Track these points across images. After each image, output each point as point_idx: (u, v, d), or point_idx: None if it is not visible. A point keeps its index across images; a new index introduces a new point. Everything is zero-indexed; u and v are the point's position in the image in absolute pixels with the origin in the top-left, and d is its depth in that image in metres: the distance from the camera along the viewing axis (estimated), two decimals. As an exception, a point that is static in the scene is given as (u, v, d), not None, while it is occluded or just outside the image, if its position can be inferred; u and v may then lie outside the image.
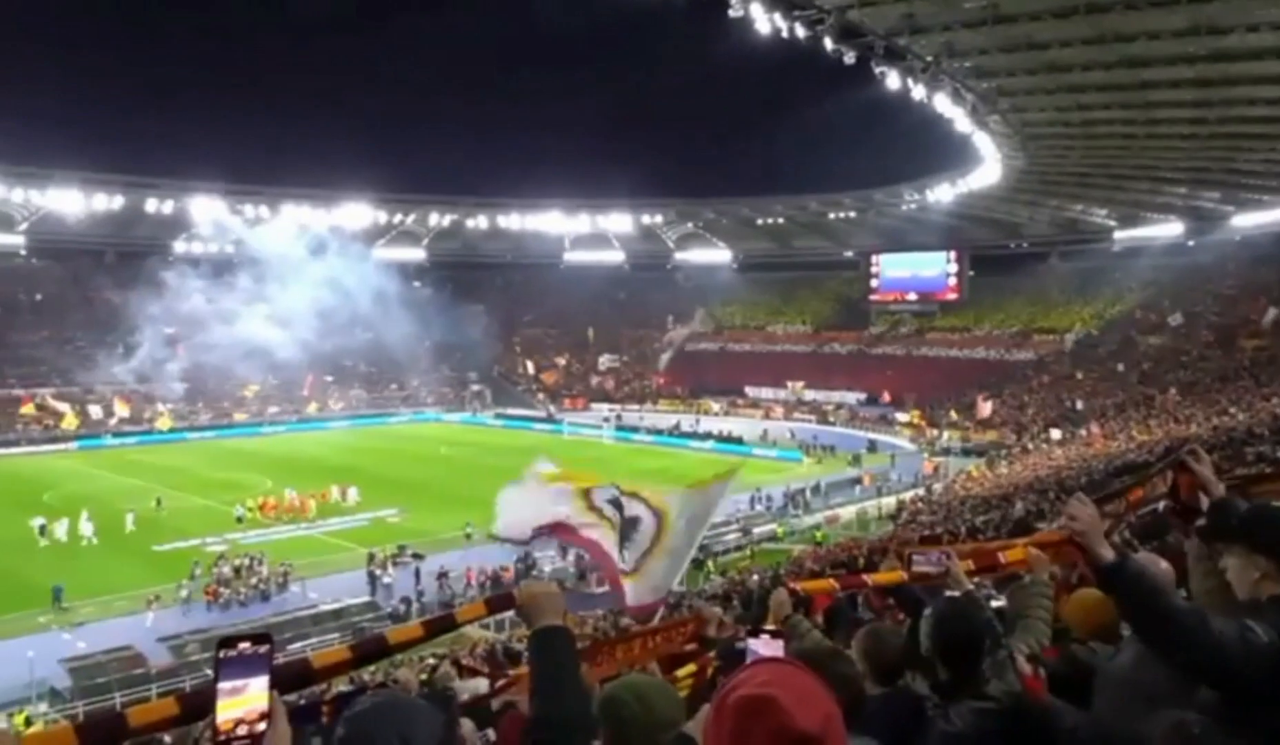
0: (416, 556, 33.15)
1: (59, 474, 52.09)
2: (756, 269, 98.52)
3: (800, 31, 33.51)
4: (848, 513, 43.11)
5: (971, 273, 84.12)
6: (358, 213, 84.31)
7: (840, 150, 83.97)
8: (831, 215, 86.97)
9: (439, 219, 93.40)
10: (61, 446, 61.74)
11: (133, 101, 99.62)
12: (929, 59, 35.99)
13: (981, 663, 2.96)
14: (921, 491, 44.63)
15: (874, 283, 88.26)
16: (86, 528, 36.72)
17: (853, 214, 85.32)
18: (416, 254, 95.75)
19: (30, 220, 78.79)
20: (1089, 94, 38.83)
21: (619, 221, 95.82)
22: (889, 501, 43.80)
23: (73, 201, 74.29)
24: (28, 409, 64.90)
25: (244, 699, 1.70)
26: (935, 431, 63.04)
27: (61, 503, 41.90)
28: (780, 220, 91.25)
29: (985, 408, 61.67)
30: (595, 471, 7.36)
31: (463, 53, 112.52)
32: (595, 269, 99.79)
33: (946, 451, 58.23)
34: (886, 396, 72.00)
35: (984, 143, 50.25)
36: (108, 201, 74.96)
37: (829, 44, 33.75)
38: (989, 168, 57.88)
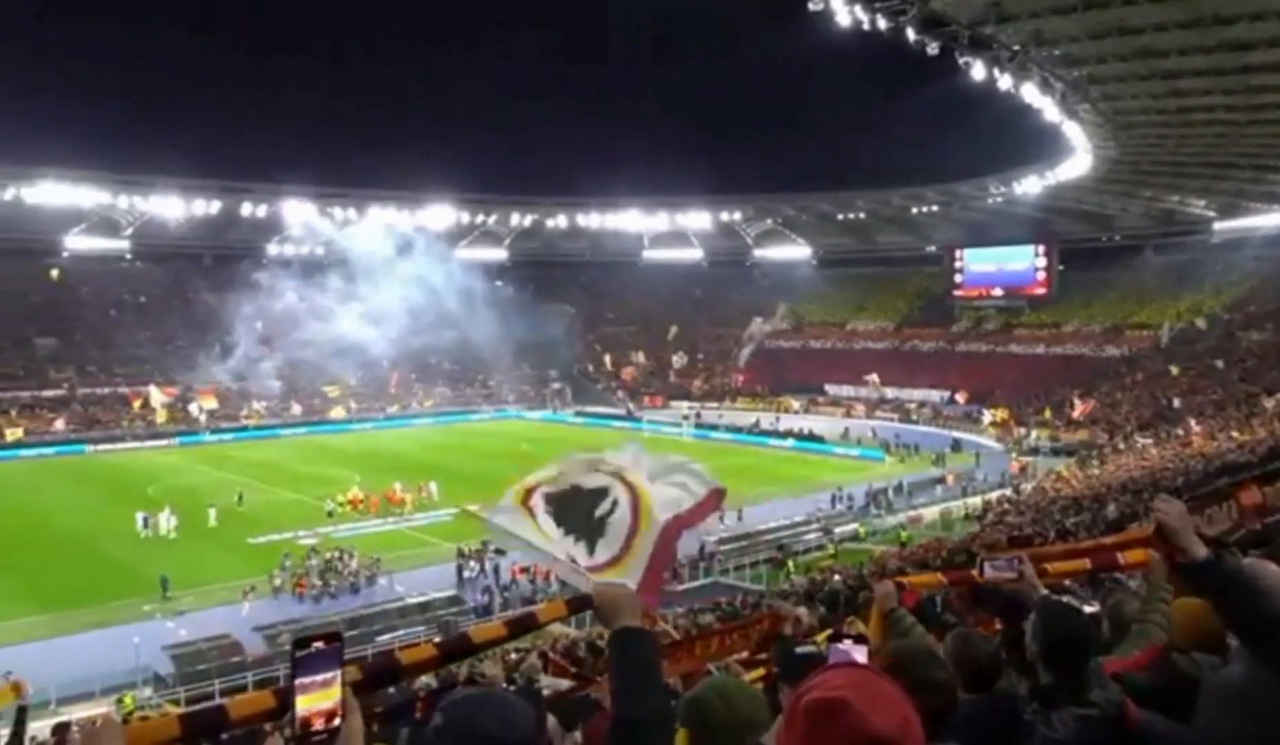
0: (499, 552, 33.71)
1: (161, 468, 54.43)
2: (837, 265, 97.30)
3: (882, 23, 33.00)
4: (931, 513, 42.30)
5: (1061, 267, 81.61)
6: (441, 214, 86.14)
7: (923, 143, 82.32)
8: (914, 209, 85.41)
9: (520, 219, 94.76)
10: (163, 442, 64.38)
11: (228, 110, 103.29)
12: (1016, 48, 35.09)
13: (1088, 667, 2.87)
14: (1008, 492, 43.54)
15: (958, 278, 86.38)
16: (170, 520, 38.23)
17: (936, 208, 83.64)
18: (498, 254, 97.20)
19: (135, 225, 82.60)
20: (1185, 80, 37.36)
21: (697, 219, 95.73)
22: (974, 501, 42.86)
23: (173, 207, 77.84)
24: (137, 404, 67.82)
25: (320, 695, 1.82)
26: (1023, 430, 61.41)
27: (164, 496, 43.73)
28: (861, 215, 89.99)
29: (1083, 406, 59.76)
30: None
31: (541, 53, 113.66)
32: (674, 266, 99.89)
33: (1035, 451, 56.67)
34: (970, 394, 70.36)
35: (1074, 132, 48.76)
36: (205, 206, 78.31)
37: (911, 35, 33.17)
38: (1079, 158, 56.16)
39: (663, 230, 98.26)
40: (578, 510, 5.18)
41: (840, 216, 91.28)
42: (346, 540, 35.82)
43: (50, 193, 72.02)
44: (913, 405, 73.04)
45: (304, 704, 1.81)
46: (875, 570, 25.68)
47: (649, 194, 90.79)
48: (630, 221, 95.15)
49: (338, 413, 74.09)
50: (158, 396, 67.83)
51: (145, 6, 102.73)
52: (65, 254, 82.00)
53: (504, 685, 7.93)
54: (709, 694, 2.32)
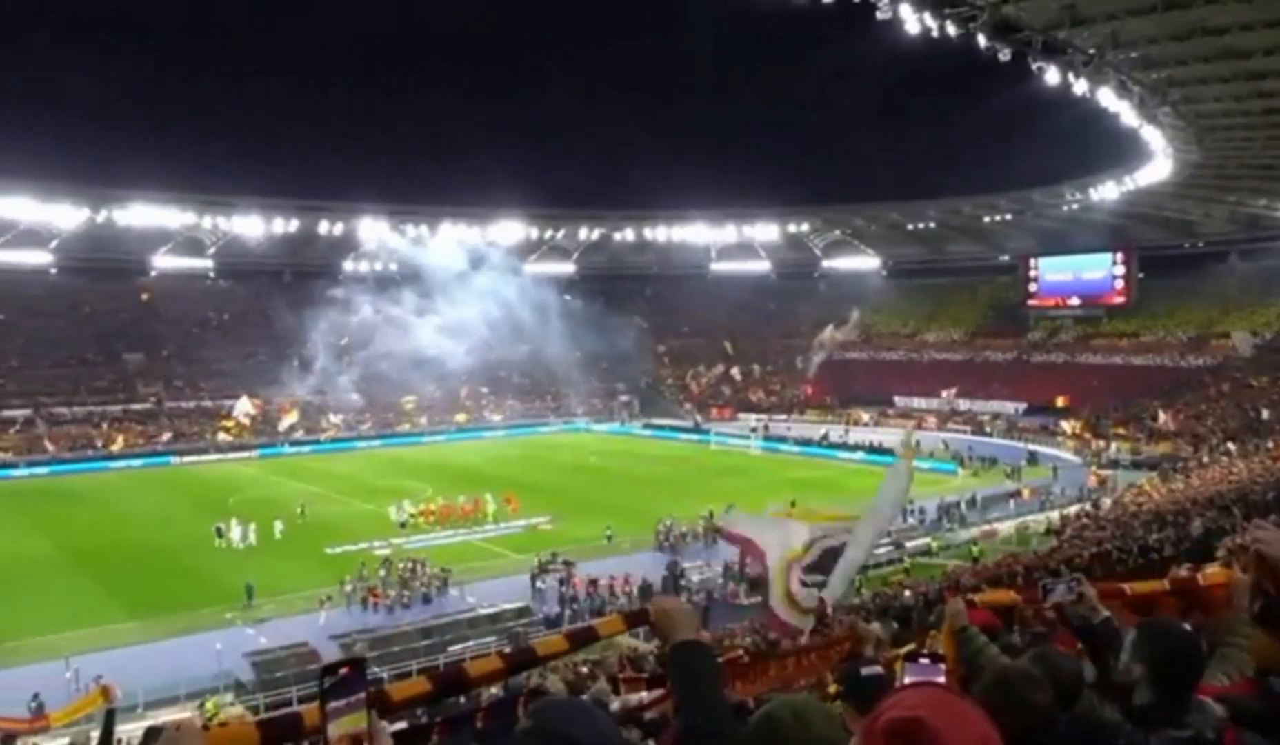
0: (567, 564, 33.94)
1: (242, 480, 56.11)
2: (907, 275, 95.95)
3: (951, 30, 32.53)
4: (1006, 527, 41.39)
5: (1140, 274, 79.29)
6: (510, 229, 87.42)
7: (995, 151, 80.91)
8: (986, 218, 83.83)
9: (587, 233, 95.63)
10: (245, 454, 66.35)
11: (305, 132, 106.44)
12: (1091, 51, 34.25)
13: (1195, 686, 2.79)
14: (1087, 506, 42.34)
15: (1032, 287, 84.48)
16: (239, 530, 39.19)
17: (1009, 216, 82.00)
18: (566, 268, 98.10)
19: (218, 244, 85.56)
20: (1271, 80, 36.04)
21: (765, 230, 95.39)
22: (1051, 516, 41.78)
23: (254, 226, 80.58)
24: (230, 424, 70.01)
25: (349, 719, 1.92)
26: (1102, 442, 59.68)
27: (244, 507, 45.03)
28: (932, 224, 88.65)
29: (1166, 419, 57.86)
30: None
31: (608, 68, 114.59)
32: (741, 278, 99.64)
33: (1115, 464, 55.02)
34: (1047, 405, 68.66)
35: (1153, 137, 47.36)
36: (284, 225, 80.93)
37: (982, 41, 32.64)
38: (1159, 163, 54.52)
39: (730, 242, 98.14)
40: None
41: (910, 226, 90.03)
42: (419, 551, 36.44)
43: (140, 214, 75.24)
44: (986, 417, 71.55)
45: (338, 728, 1.91)
46: (948, 586, 25.23)
47: (716, 206, 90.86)
48: (697, 234, 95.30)
49: (411, 425, 75.51)
50: (246, 406, 70.00)
51: (227, 39, 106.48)
52: (153, 273, 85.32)
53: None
54: (782, 712, 2.20)
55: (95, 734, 16.39)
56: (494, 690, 10.13)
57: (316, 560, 36.12)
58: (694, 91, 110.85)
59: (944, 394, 74.30)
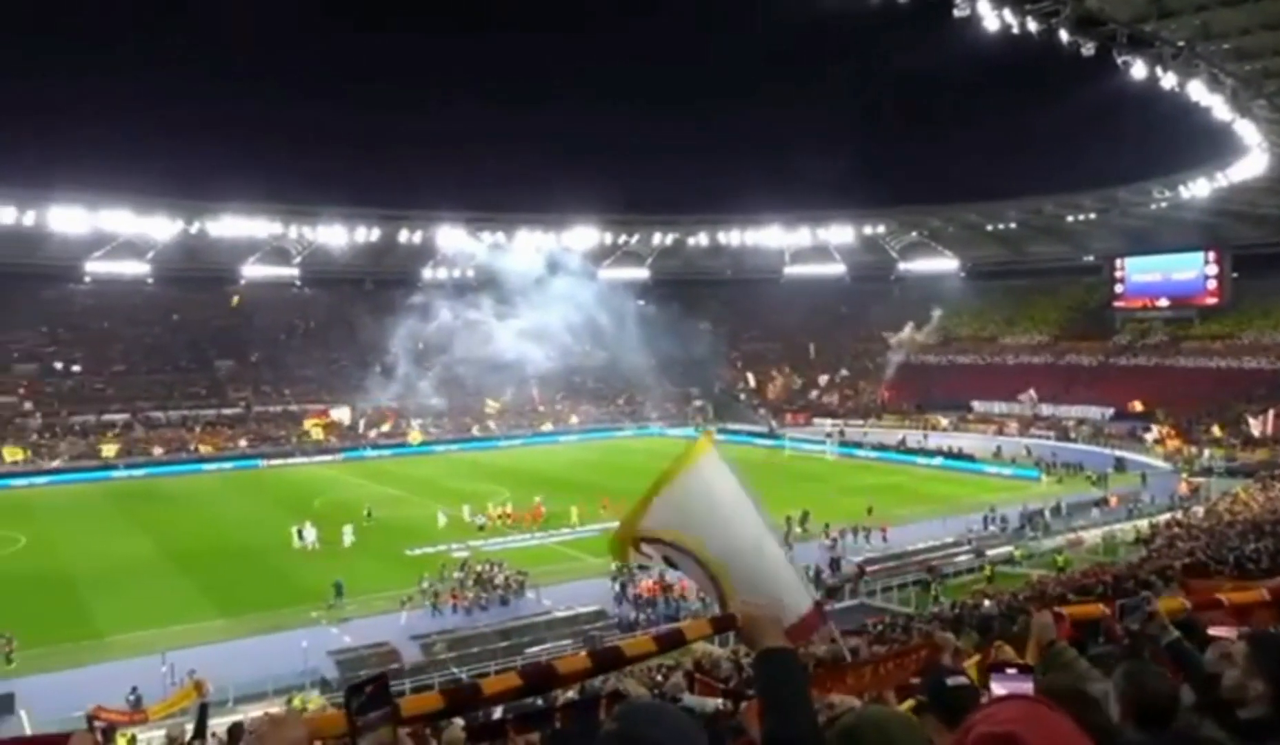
0: (642, 569, 34.02)
1: (326, 482, 57.68)
2: (986, 277, 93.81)
3: (1032, 26, 31.85)
4: (1093, 536, 40.15)
5: (1234, 274, 76.25)
6: (585, 235, 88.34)
7: (1078, 148, 78.81)
8: (1070, 217, 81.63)
9: (661, 238, 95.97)
10: (329, 458, 68.20)
11: (386, 143, 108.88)
12: (1180, 44, 33.21)
13: None
14: (1178, 515, 40.87)
15: (1118, 288, 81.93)
16: (311, 534, 40.14)
17: (1093, 215, 79.71)
18: (640, 273, 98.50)
19: (303, 254, 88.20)
20: (1374, 70, 34.49)
21: (839, 233, 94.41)
22: (1141, 524, 40.43)
23: (337, 235, 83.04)
24: (310, 424, 72.08)
25: (379, 732, 2.04)
26: (1194, 449, 57.54)
27: (330, 509, 46.31)
28: (1013, 225, 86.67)
29: (1262, 424, 55.53)
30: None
31: (679, 72, 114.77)
32: (816, 282, 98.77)
33: (1208, 471, 53.01)
34: (1136, 410, 66.43)
35: (1247, 131, 45.60)
36: (366, 234, 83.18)
37: (1065, 36, 31.88)
38: (1253, 158, 52.49)
39: (804, 246, 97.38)
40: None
41: (990, 227, 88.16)
42: (496, 553, 36.98)
43: (230, 225, 78.23)
44: (1070, 422, 69.58)
45: (367, 741, 2.04)
46: (1032, 595, 24.63)
47: (790, 209, 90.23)
48: (771, 237, 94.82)
49: (488, 430, 76.67)
50: (341, 413, 72.00)
51: (310, 56, 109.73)
52: (242, 282, 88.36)
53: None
54: (864, 725, 2.15)
55: (190, 727, 17.10)
56: (569, 693, 10.29)
57: (397, 562, 36.92)
58: (767, 93, 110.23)
59: (1023, 397, 72.35)
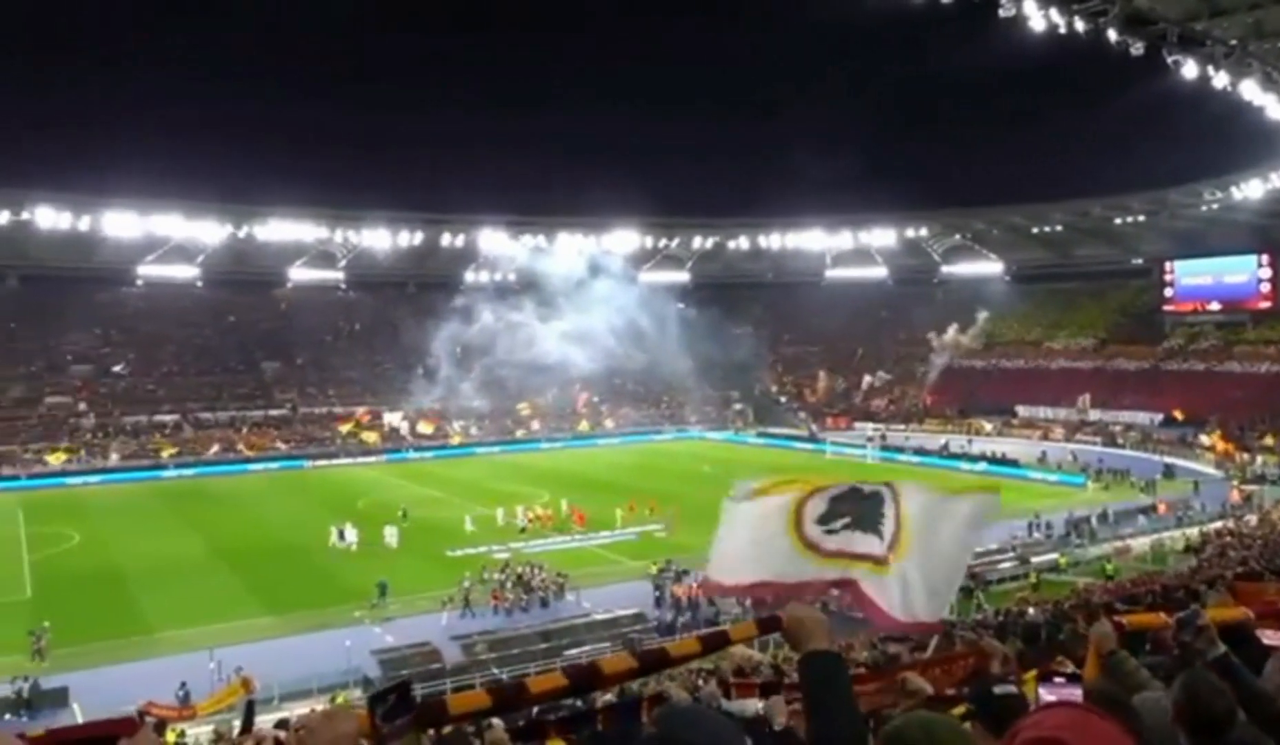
0: (682, 573, 34.04)
1: (369, 483, 58.38)
2: (1031, 280, 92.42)
3: (1080, 26, 31.46)
4: (1141, 544, 39.43)
5: (1289, 277, 74.47)
6: (625, 239, 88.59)
7: (1127, 149, 77.48)
8: (1117, 220, 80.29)
9: (701, 241, 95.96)
10: (372, 459, 69.03)
11: (429, 147, 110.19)
12: (1232, 43, 32.56)
13: None
14: (1230, 523, 39.97)
15: (1168, 291, 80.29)
16: (352, 534, 40.57)
17: (1142, 218, 78.35)
18: (680, 276, 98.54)
19: (348, 257, 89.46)
20: None
21: (881, 236, 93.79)
22: (1190, 533, 39.60)
23: (381, 239, 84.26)
24: (346, 426, 73.13)
25: (404, 739, 2.11)
26: (1246, 456, 56.24)
27: (373, 509, 46.87)
28: (1058, 227, 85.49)
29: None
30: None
31: (719, 75, 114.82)
32: (857, 285, 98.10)
33: (1261, 479, 51.72)
34: (1184, 416, 65.07)
35: (1303, 131, 44.59)
36: (409, 238, 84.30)
37: (1113, 36, 31.42)
38: (1311, 159, 51.25)
39: (846, 249, 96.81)
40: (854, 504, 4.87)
41: (1035, 229, 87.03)
42: (536, 555, 37.18)
43: (277, 229, 79.73)
44: (1118, 428, 68.35)
45: None
46: (1078, 604, 24.26)
47: (831, 212, 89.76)
48: (812, 241, 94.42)
49: (529, 432, 77.17)
50: (394, 418, 72.90)
51: (355, 60, 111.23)
52: (289, 285, 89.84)
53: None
54: (912, 729, 2.10)
55: (236, 723, 17.44)
56: (608, 696, 10.33)
57: (439, 563, 37.26)
58: (808, 95, 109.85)
59: (1080, 402, 71.09)
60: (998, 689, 3.01)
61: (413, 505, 47.33)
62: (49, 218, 71.33)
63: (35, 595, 33.89)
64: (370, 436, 71.60)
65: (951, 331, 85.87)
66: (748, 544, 4.80)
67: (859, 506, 4.73)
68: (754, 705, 9.33)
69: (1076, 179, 78.41)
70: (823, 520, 4.66)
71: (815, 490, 4.87)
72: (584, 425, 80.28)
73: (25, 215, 71.09)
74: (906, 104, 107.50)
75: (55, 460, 63.02)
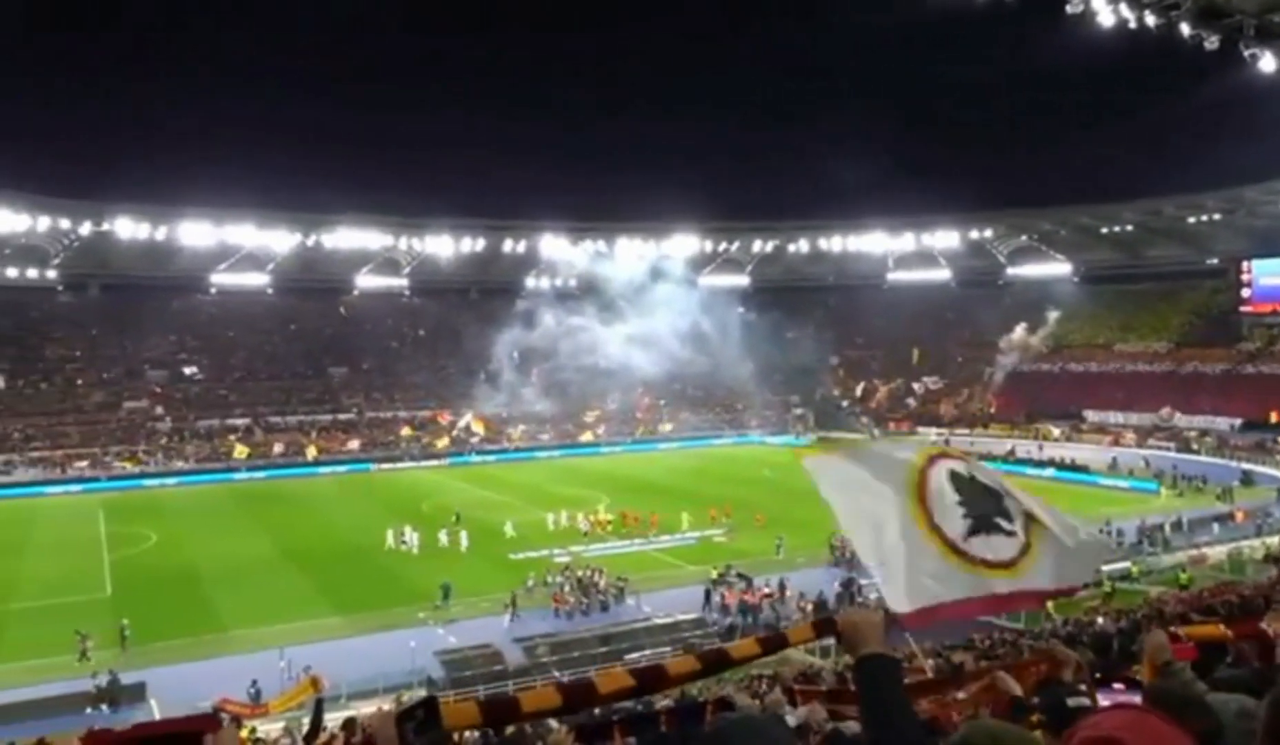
0: (742, 577, 33.95)
1: (433, 486, 59.26)
2: (1100, 281, 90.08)
3: (1151, 20, 30.73)
4: (1217, 553, 38.22)
5: (1377, 277, 71.53)
6: (685, 243, 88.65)
7: (1200, 147, 75.20)
8: (1191, 218, 78.01)
9: (762, 245, 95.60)
10: (436, 462, 70.06)
11: (490, 155, 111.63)
12: (1313, 35, 31.46)
13: None
14: (1313, 532, 38.61)
15: (1245, 292, 77.55)
16: (413, 537, 41.15)
17: (1217, 216, 76.01)
18: (740, 280, 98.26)
19: (412, 264, 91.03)
20: None
21: (945, 238, 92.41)
22: (1270, 542, 38.30)
23: (444, 246, 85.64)
24: (409, 430, 74.33)
25: None
26: (1331, 462, 54.19)
27: (437, 512, 47.56)
28: (1129, 227, 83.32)
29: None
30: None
31: (780, 78, 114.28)
32: (920, 288, 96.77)
33: (1347, 486, 49.83)
34: (1265, 421, 62.81)
35: (1390, 125, 42.85)
36: (472, 244, 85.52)
37: (1186, 30, 30.62)
38: (1399, 153, 49.21)
39: (908, 251, 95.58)
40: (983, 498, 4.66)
41: (1104, 229, 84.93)
42: (597, 559, 37.37)
43: (345, 238, 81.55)
44: (1193, 433, 66.29)
45: None
46: (1150, 614, 23.64)
47: (893, 214, 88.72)
48: (874, 243, 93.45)
49: (589, 436, 77.60)
50: (468, 421, 73.86)
51: (419, 70, 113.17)
52: (355, 292, 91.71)
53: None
54: (979, 737, 2.05)
55: (306, 721, 17.87)
56: (668, 700, 10.38)
57: (501, 565, 37.68)
58: (868, 96, 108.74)
59: (1162, 412, 68.83)
60: (1071, 701, 2.96)
61: (475, 508, 47.89)
62: (128, 228, 73.95)
63: (115, 593, 35.09)
64: (439, 440, 72.64)
65: (1019, 332, 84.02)
66: (897, 551, 4.61)
67: (974, 496, 4.58)
68: (820, 710, 9.27)
69: (1148, 177, 76.72)
70: (951, 513, 4.45)
71: (927, 462, 4.68)
72: (644, 430, 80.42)
73: (106, 226, 73.84)
74: (971, 104, 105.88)
75: (132, 465, 65.25)
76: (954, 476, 4.61)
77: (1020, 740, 2.13)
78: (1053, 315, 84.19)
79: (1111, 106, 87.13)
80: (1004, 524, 4.50)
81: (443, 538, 41.56)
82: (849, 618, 2.49)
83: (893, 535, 4.49)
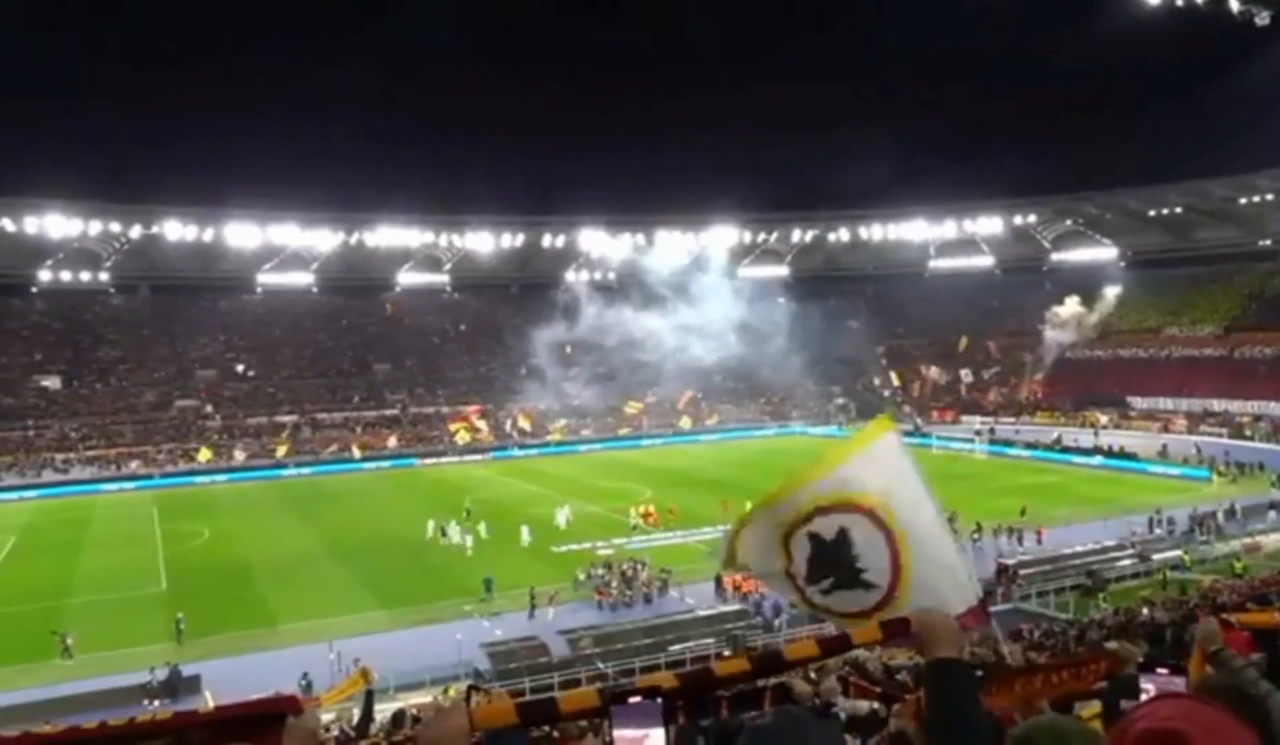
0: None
1: (477, 481, 59.81)
2: (1148, 266, 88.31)
3: (1198, -1, 30.13)
4: (1273, 541, 37.40)
5: None
6: (724, 235, 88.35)
7: (1252, 126, 73.15)
8: (1242, 200, 76.25)
9: (801, 235, 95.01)
10: (479, 457, 70.72)
11: (528, 149, 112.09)
12: (1368, 9, 30.61)
13: None
14: (1372, 519, 37.61)
15: (1301, 274, 75.69)
16: (456, 532, 41.50)
17: (1270, 197, 74.09)
18: (780, 271, 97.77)
19: (453, 261, 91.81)
20: None
21: (987, 224, 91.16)
22: (1329, 530, 37.40)
23: (484, 242, 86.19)
24: (456, 426, 75.02)
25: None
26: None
27: (480, 507, 47.99)
28: (1177, 210, 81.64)
29: None
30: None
31: (817, 66, 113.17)
32: (962, 275, 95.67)
33: None
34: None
35: None
36: (511, 240, 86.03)
37: (1235, 6, 29.97)
38: None
39: (950, 238, 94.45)
40: (834, 558, 4.95)
41: (1151, 212, 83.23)
42: (640, 552, 37.49)
43: (385, 236, 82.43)
44: (1246, 419, 64.81)
45: None
46: (1203, 604, 23.22)
47: (935, 201, 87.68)
48: (915, 231, 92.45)
49: (631, 429, 77.80)
50: (522, 418, 74.50)
51: (455, 68, 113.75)
52: (397, 289, 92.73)
53: (810, 703, 8.04)
54: (1040, 734, 1.97)
55: (356, 712, 18.17)
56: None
57: (544, 558, 37.96)
58: (905, 81, 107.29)
59: (1242, 405, 66.70)
60: (1131, 698, 2.89)
61: (524, 503, 48.24)
62: (176, 230, 75.47)
63: (170, 588, 35.93)
64: (480, 434, 73.23)
65: (1071, 303, 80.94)
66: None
67: (832, 560, 4.92)
68: (866, 706, 9.26)
69: (1196, 159, 74.59)
70: (811, 579, 4.93)
71: (792, 528, 5.03)
72: (685, 422, 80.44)
73: (155, 228, 75.42)
74: (1013, 87, 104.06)
75: (203, 458, 66.89)
76: (813, 538, 4.94)
77: (1084, 736, 2.03)
78: (1111, 291, 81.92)
79: (1159, 86, 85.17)
80: (863, 579, 4.85)
81: (480, 532, 41.75)
82: (924, 618, 2.42)
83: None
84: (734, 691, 6.95)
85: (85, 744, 1.97)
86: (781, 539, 5.21)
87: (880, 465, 5.28)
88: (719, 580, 32.58)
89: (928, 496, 5.20)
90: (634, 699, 2.16)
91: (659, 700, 2.16)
